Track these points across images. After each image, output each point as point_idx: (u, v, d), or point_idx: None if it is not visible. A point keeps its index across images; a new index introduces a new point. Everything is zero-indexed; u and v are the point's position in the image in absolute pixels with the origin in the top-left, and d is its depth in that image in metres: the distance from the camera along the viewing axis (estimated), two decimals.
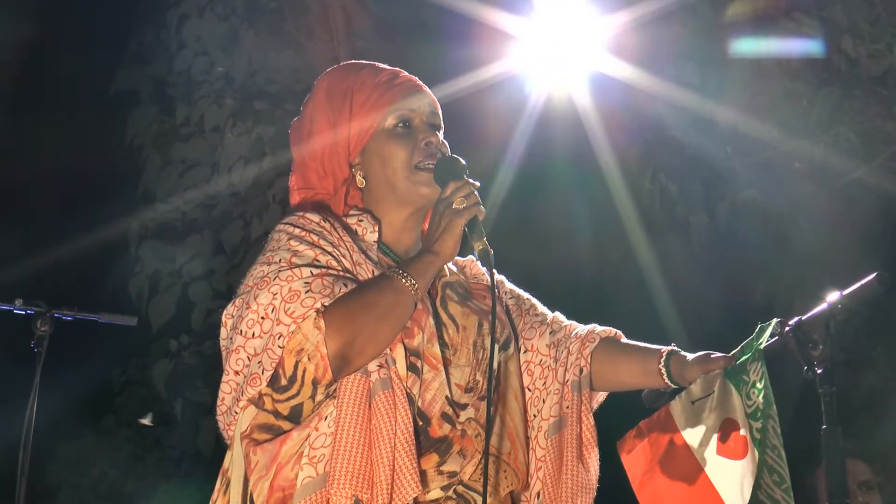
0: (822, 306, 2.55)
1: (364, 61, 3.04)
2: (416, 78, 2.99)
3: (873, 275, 2.51)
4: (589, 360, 2.92)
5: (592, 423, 2.89)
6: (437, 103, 2.99)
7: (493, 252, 2.71)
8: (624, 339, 3.00)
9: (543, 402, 2.94)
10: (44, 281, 6.71)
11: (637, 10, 6.64)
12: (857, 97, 7.05)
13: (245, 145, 7.11)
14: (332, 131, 2.90)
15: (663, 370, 2.85)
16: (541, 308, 3.11)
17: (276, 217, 2.80)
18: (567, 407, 2.88)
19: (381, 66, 3.00)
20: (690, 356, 2.84)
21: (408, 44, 6.77)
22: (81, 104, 7.58)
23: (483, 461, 2.64)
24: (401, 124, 2.88)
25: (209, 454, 7.19)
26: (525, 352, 3.00)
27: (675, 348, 2.89)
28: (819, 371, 2.51)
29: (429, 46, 6.59)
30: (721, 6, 6.95)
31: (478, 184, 2.77)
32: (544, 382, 2.96)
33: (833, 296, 2.53)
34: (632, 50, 6.71)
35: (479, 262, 3.06)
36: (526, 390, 2.97)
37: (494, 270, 2.78)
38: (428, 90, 2.98)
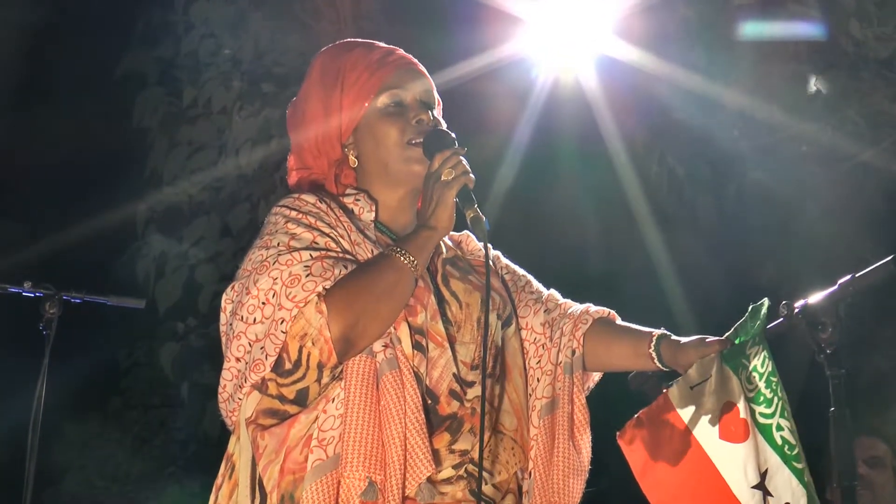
0: (832, 289, 2.55)
1: (360, 40, 3.01)
2: (411, 56, 2.97)
3: (889, 258, 2.51)
4: (581, 341, 2.91)
5: (584, 404, 2.88)
6: (432, 81, 2.97)
7: (485, 219, 2.69)
8: (618, 321, 2.99)
9: (538, 381, 2.93)
10: (51, 264, 6.70)
11: None
12: (864, 80, 7.04)
13: (252, 128, 7.10)
14: (324, 111, 2.89)
15: (653, 354, 2.84)
16: (536, 285, 3.10)
17: None
18: (559, 388, 2.87)
19: (377, 44, 2.98)
20: (684, 340, 2.82)
21: (414, 26, 6.76)
22: (88, 87, 7.57)
23: (479, 437, 2.62)
24: (392, 103, 2.87)
25: (216, 437, 7.20)
26: (520, 330, 2.98)
27: (665, 332, 2.87)
28: (828, 353, 2.52)
29: (435, 29, 6.58)
30: None
31: (464, 150, 2.74)
32: (538, 362, 2.95)
33: (844, 278, 2.53)
34: (639, 33, 6.69)
35: (473, 236, 3.05)
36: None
37: (489, 243, 2.78)
38: (422, 68, 2.96)
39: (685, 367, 2.79)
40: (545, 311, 3.00)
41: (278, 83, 7.12)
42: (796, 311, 2.58)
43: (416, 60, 2.97)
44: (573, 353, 2.90)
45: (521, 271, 3.13)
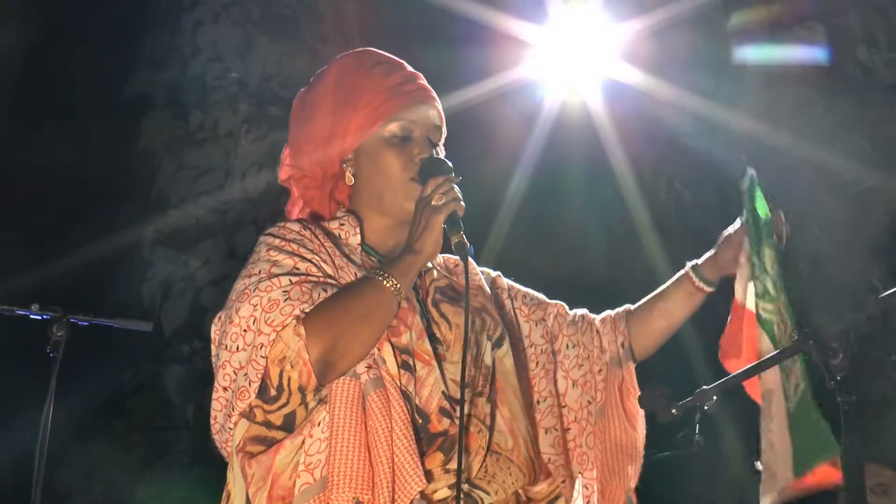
0: (843, 314, 2.54)
1: (385, 55, 3.01)
2: (429, 87, 2.97)
3: None
4: (626, 332, 3.07)
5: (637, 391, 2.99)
6: (443, 116, 2.97)
7: (469, 245, 2.70)
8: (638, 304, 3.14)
9: (573, 386, 3.05)
10: (55, 286, 6.69)
11: (651, 17, 6.65)
12: (871, 106, 7.04)
13: (259, 151, 7.11)
14: (331, 122, 2.90)
15: (701, 283, 3.03)
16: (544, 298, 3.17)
17: None
18: (609, 384, 3.01)
19: (398, 65, 2.98)
20: (711, 253, 3.03)
21: (422, 50, 6.75)
22: (95, 109, 7.57)
23: (458, 448, 2.62)
24: (400, 134, 2.87)
25: (221, 460, 7.17)
26: (572, 346, 3.07)
27: (692, 263, 3.05)
28: (839, 379, 2.51)
29: (443, 53, 6.58)
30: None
31: (458, 178, 2.75)
32: (580, 368, 3.06)
33: (855, 305, 2.53)
34: (646, 57, 6.71)
35: (474, 262, 3.04)
36: (575, 385, 3.04)
37: (472, 263, 2.86)
38: (437, 101, 2.97)
39: (732, 265, 2.97)
40: (571, 322, 3.10)
41: (285, 107, 7.08)
42: (807, 336, 2.58)
43: (433, 93, 2.97)
44: (622, 345, 3.02)
45: (532, 291, 3.15)
